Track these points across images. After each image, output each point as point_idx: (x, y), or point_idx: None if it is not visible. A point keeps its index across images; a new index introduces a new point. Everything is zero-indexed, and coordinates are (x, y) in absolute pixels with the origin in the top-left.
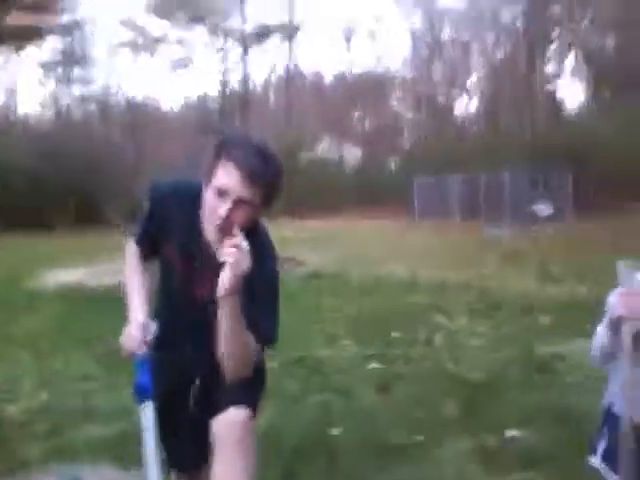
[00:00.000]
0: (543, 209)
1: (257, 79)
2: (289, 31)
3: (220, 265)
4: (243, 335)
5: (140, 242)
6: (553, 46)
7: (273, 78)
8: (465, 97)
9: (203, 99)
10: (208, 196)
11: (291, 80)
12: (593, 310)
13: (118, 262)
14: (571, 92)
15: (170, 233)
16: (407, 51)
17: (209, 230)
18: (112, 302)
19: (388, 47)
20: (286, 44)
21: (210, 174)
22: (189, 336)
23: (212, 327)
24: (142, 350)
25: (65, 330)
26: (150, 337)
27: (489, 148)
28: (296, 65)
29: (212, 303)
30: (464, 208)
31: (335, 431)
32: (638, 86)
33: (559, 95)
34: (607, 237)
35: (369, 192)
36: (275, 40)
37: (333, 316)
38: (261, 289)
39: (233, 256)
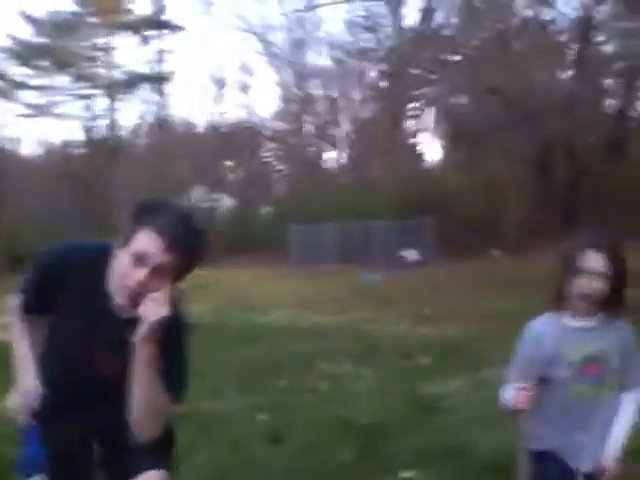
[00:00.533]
0: (411, 254)
1: (126, 127)
2: (158, 80)
3: (126, 330)
4: (158, 388)
5: (29, 307)
6: (413, 104)
7: (143, 126)
8: (335, 150)
9: (67, 145)
10: (123, 260)
11: (161, 129)
12: (464, 350)
13: None
14: (432, 147)
15: (69, 297)
16: (277, 104)
17: (119, 295)
18: None
19: (259, 100)
20: (156, 93)
21: (128, 238)
22: (86, 403)
23: (111, 394)
24: (29, 420)
25: None
26: (38, 406)
27: (359, 197)
28: (167, 114)
29: (116, 372)
30: (338, 255)
31: None
32: (487, 143)
33: (421, 149)
34: (470, 278)
35: (243, 240)
36: (145, 89)
37: (215, 369)
38: (173, 347)
39: (151, 307)
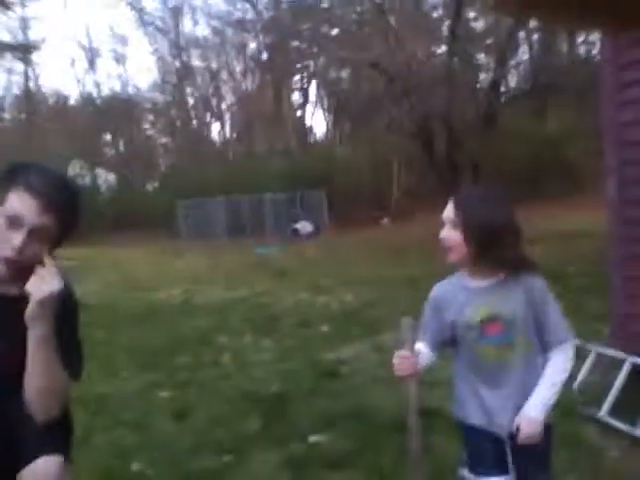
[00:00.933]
0: (304, 226)
1: None
2: (24, 49)
3: (12, 304)
4: (57, 366)
5: None
6: (297, 77)
7: (9, 98)
8: (219, 123)
9: None
10: None
11: (30, 100)
12: (360, 316)
13: None
14: (317, 120)
15: None
16: (155, 75)
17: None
18: None
19: (135, 71)
20: (22, 63)
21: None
22: None
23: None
24: None
25: None
26: None
27: (247, 171)
28: (36, 85)
29: (12, 361)
30: (230, 230)
31: (136, 466)
32: (370, 115)
33: (307, 122)
34: (362, 247)
35: (127, 217)
36: (9, 59)
37: (106, 349)
38: (65, 325)
39: (38, 282)
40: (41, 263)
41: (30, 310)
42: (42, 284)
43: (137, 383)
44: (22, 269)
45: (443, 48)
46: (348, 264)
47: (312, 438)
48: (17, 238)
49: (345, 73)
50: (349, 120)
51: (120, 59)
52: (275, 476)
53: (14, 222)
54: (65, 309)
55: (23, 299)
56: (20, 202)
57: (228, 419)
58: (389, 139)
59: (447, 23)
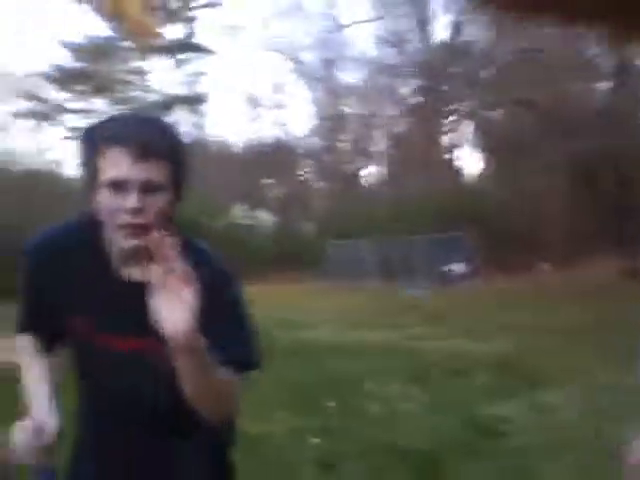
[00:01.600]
0: (456, 269)
1: None
2: (193, 101)
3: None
4: (216, 376)
5: (31, 327)
6: (449, 119)
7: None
8: (370, 166)
9: None
10: (101, 201)
11: (198, 149)
12: (520, 367)
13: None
14: (469, 160)
15: (71, 295)
16: (312, 121)
17: (120, 248)
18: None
19: (293, 117)
20: (191, 114)
21: (94, 174)
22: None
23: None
24: (38, 460)
25: None
26: (51, 441)
27: (398, 213)
28: (203, 135)
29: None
30: (380, 271)
31: None
32: (522, 155)
33: (458, 163)
34: (520, 292)
35: (284, 257)
36: (180, 111)
37: (261, 385)
38: (220, 307)
39: (172, 289)
40: (168, 224)
41: (171, 328)
42: (172, 309)
43: (288, 425)
44: (146, 233)
45: (602, 84)
46: (505, 310)
47: None
48: (129, 199)
49: (499, 113)
50: (503, 161)
51: (279, 107)
52: None
53: (118, 187)
54: (215, 296)
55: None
56: (114, 162)
57: (376, 475)
58: (547, 179)
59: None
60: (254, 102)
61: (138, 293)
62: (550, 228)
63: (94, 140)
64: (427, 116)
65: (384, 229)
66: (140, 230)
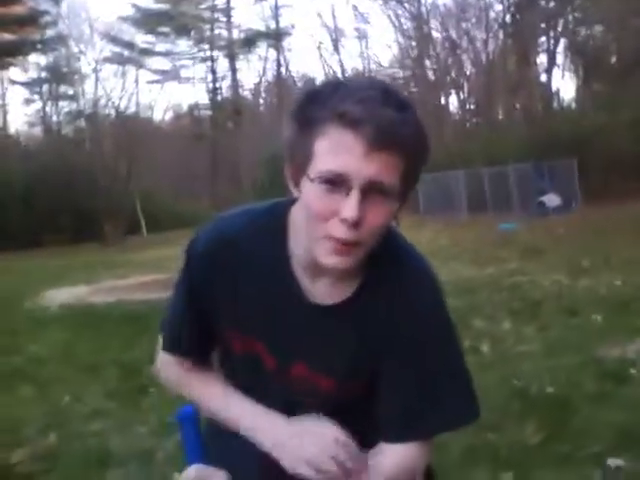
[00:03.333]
0: (552, 200)
1: (247, 86)
2: (276, 36)
3: (332, 322)
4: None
5: (188, 350)
6: (542, 39)
7: (263, 84)
8: (459, 94)
9: (194, 108)
10: (309, 198)
11: (282, 85)
12: (637, 306)
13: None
14: (564, 83)
15: (239, 311)
16: (396, 49)
17: (314, 261)
18: (116, 320)
19: (376, 46)
20: (274, 50)
21: (304, 157)
22: None
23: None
24: None
25: (70, 357)
26: None
27: (490, 142)
28: (286, 70)
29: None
30: (470, 203)
31: None
32: (626, 75)
33: (553, 86)
34: (623, 223)
35: None
36: (263, 47)
37: None
38: (425, 348)
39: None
40: (385, 244)
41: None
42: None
43: None
44: (353, 255)
45: None
46: (609, 242)
47: (611, 461)
48: (348, 205)
49: (598, 29)
50: (604, 81)
51: (362, 37)
52: None
53: (335, 183)
54: (424, 328)
55: (346, 309)
56: (336, 148)
57: (500, 423)
58: None
59: None
60: (337, 33)
61: (321, 319)
62: None
63: (314, 113)
64: (520, 35)
65: (476, 160)
66: (350, 247)
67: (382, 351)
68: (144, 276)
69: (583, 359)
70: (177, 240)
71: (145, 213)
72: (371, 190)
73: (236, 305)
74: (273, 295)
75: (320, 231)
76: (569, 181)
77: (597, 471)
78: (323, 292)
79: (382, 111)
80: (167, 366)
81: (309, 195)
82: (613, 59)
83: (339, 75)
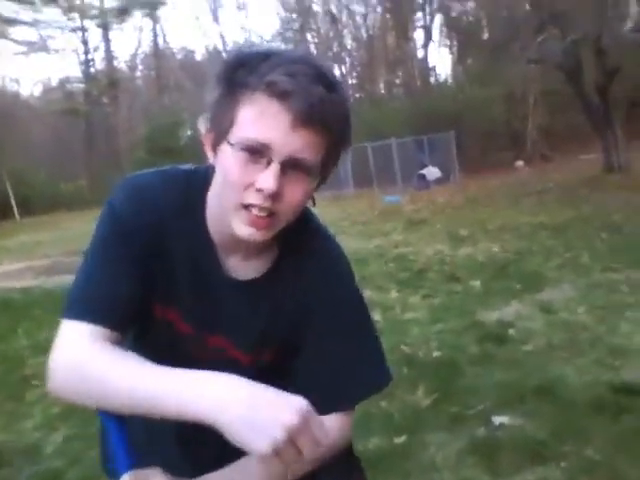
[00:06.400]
0: (432, 172)
1: (122, 57)
2: (151, 5)
3: (248, 291)
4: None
5: (113, 317)
6: (419, 14)
7: (140, 56)
8: (339, 68)
9: (66, 81)
10: (228, 166)
11: (159, 57)
12: (513, 269)
13: None
14: (441, 58)
15: (166, 282)
16: (277, 23)
17: (231, 232)
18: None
19: (257, 18)
20: (149, 21)
21: (225, 123)
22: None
23: None
24: None
25: None
26: None
27: (372, 117)
28: (164, 41)
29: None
30: (356, 177)
31: None
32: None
33: (430, 61)
34: (497, 193)
35: None
36: (137, 17)
37: None
38: (339, 321)
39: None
40: (302, 220)
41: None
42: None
43: None
44: (269, 227)
45: None
46: (485, 211)
47: (496, 419)
48: (266, 176)
49: (471, 5)
50: (478, 55)
51: (242, 8)
52: (459, 465)
53: (256, 152)
54: (338, 301)
55: (262, 284)
56: (264, 118)
57: (392, 389)
58: (525, 71)
59: None
60: (216, 3)
61: (236, 292)
62: (526, 125)
63: (242, 78)
64: (398, 10)
65: (360, 134)
66: (265, 219)
67: (297, 326)
68: (17, 263)
69: (466, 323)
70: (52, 224)
71: (17, 195)
72: (291, 165)
73: (158, 274)
74: (193, 267)
75: (236, 200)
76: (448, 154)
77: (483, 429)
78: (237, 267)
79: (313, 87)
80: (74, 345)
81: (228, 162)
82: (485, 35)
83: (219, 47)
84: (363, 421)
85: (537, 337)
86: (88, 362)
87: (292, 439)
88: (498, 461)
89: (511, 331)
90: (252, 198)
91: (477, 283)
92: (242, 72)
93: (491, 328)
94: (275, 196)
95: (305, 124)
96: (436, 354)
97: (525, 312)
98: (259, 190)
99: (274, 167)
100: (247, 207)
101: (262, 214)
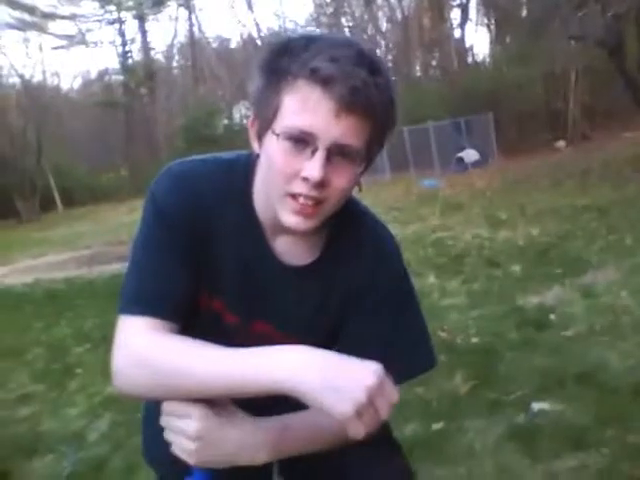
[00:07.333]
0: (470, 155)
1: (159, 48)
2: None
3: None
4: None
5: (174, 310)
6: None
7: (176, 46)
8: (376, 51)
9: (104, 74)
10: (273, 155)
11: (195, 47)
12: (555, 253)
13: (36, 258)
14: (478, 38)
15: (213, 267)
16: (311, 7)
17: (278, 221)
18: (35, 300)
19: (291, 4)
20: (185, 11)
21: (270, 111)
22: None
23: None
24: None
25: None
26: None
27: (408, 100)
28: (199, 30)
29: None
30: (392, 162)
31: None
32: (536, 28)
33: (467, 42)
34: (537, 174)
35: None
36: (173, 7)
37: None
38: (388, 303)
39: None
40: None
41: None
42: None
43: None
44: (316, 216)
45: None
46: (525, 194)
47: (536, 405)
48: (312, 165)
49: None
50: (517, 33)
51: None
52: (498, 451)
53: (301, 141)
54: (385, 282)
55: (311, 269)
56: (309, 104)
57: (429, 376)
58: (566, 49)
59: None
60: None
61: (285, 277)
62: (568, 105)
63: (283, 66)
64: None
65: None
66: (312, 207)
67: (345, 312)
68: (61, 254)
69: (505, 309)
70: (93, 215)
71: (59, 187)
72: (337, 152)
73: (205, 263)
74: (240, 254)
75: (282, 189)
76: (486, 136)
77: (522, 415)
78: (286, 252)
79: (355, 72)
80: (139, 340)
81: (273, 151)
82: (524, 12)
83: (255, 35)
84: (400, 408)
85: (578, 322)
86: (158, 355)
87: (371, 400)
88: (538, 447)
89: (552, 316)
90: (298, 187)
91: (517, 268)
92: (284, 60)
93: (531, 313)
94: (321, 184)
95: (348, 110)
96: (475, 340)
97: (566, 297)
98: (305, 179)
99: (319, 155)
100: (294, 196)
101: (309, 203)
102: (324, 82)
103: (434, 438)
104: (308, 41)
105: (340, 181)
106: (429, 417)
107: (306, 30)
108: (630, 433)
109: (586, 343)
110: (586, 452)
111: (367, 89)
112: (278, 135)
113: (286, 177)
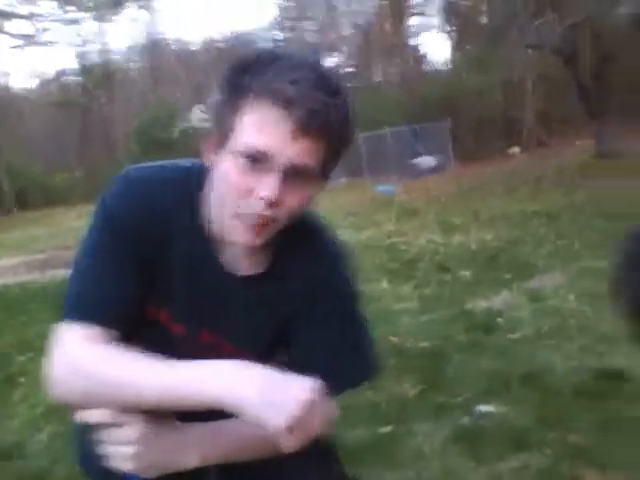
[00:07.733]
0: (426, 161)
1: (118, 50)
2: None
3: (245, 287)
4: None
5: (111, 317)
6: (414, 1)
7: (135, 48)
8: (335, 55)
9: (62, 74)
10: (228, 172)
11: (154, 49)
12: (505, 258)
13: None
14: (439, 45)
15: (165, 278)
16: (274, 12)
17: (230, 238)
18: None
19: (252, 9)
20: (144, 12)
21: (226, 129)
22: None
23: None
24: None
25: None
26: None
27: (364, 105)
28: (159, 33)
29: None
30: (348, 167)
31: None
32: (496, 36)
33: (427, 48)
34: (492, 181)
35: None
36: (133, 7)
37: None
38: (335, 313)
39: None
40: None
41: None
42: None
43: None
44: (266, 233)
45: None
46: (479, 200)
47: (481, 407)
48: (267, 185)
49: None
50: (475, 42)
51: None
52: (445, 453)
53: (257, 160)
54: (335, 295)
55: (260, 280)
56: (266, 126)
57: (380, 379)
58: (524, 57)
59: None
60: None
61: (233, 287)
62: (522, 113)
63: (244, 84)
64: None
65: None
66: (264, 226)
67: (292, 323)
68: (13, 258)
69: (454, 313)
70: (48, 219)
71: (14, 188)
72: (292, 172)
73: (152, 272)
74: (189, 263)
75: (235, 205)
76: (442, 142)
77: (468, 417)
78: (235, 262)
79: (314, 95)
80: (76, 348)
81: (228, 167)
82: (484, 20)
83: (216, 38)
84: (349, 411)
85: (525, 325)
86: (92, 363)
87: (305, 415)
88: (482, 449)
89: (499, 320)
90: (252, 205)
91: (467, 273)
92: (245, 78)
93: (479, 317)
94: (275, 204)
95: (306, 132)
96: (424, 344)
97: (514, 300)
98: (260, 199)
99: (275, 175)
100: (248, 217)
101: (260, 221)
102: (284, 104)
103: (383, 441)
104: (270, 59)
105: (293, 201)
106: (378, 421)
107: (270, 39)
108: (571, 433)
109: (532, 346)
110: (528, 453)
111: (325, 111)
112: (234, 152)
113: (240, 194)
